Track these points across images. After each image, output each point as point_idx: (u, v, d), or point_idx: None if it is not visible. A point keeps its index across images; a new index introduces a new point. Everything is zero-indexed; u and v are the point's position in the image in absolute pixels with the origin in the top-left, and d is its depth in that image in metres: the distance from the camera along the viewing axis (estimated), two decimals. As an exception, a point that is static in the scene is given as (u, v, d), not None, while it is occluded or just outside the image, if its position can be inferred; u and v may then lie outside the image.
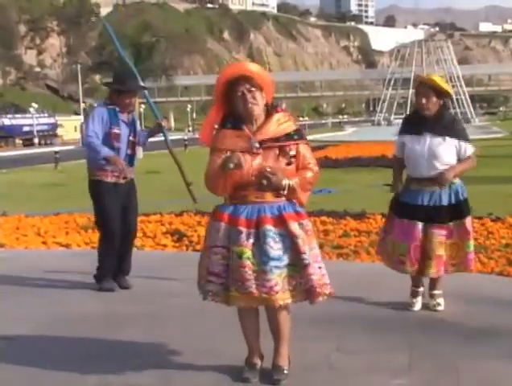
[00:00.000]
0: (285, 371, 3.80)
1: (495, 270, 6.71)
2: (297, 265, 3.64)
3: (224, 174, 3.62)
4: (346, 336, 4.53)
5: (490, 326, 4.77)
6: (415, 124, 5.12)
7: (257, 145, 3.66)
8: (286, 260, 3.63)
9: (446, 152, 5.00)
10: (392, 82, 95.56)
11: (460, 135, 5.09)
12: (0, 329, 4.90)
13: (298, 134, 3.75)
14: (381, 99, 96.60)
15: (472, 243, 5.15)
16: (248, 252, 3.60)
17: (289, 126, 3.75)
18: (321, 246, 7.94)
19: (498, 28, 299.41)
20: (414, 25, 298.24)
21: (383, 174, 18.48)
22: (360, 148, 29.98)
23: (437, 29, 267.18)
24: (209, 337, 4.55)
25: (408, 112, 5.78)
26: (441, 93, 5.04)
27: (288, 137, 3.71)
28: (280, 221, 3.64)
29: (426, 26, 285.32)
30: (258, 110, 3.71)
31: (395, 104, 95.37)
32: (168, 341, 4.48)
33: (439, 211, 4.99)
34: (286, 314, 3.77)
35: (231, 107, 3.74)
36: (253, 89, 3.68)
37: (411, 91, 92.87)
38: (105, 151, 5.76)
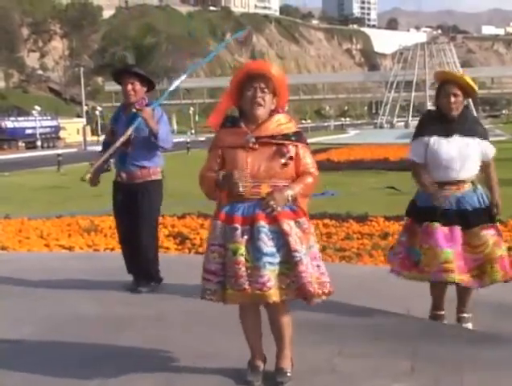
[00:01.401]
0: (288, 374, 3.78)
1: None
2: (289, 263, 3.62)
3: (218, 189, 3.71)
4: (348, 340, 4.52)
5: (493, 330, 4.76)
6: (441, 125, 4.84)
7: (253, 140, 3.67)
8: (279, 257, 3.61)
9: (475, 152, 4.81)
10: (395, 85, 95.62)
11: (484, 135, 4.91)
12: (1, 331, 4.90)
13: (296, 136, 3.75)
14: (384, 102, 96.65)
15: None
16: (242, 249, 3.60)
17: (288, 128, 3.75)
18: (324, 249, 7.95)
19: (501, 31, 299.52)
20: (417, 28, 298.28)
21: (386, 177, 18.52)
22: (362, 151, 30.01)
23: (440, 32, 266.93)
24: (211, 340, 4.54)
25: (424, 113, 5.40)
26: (468, 92, 4.85)
27: (286, 137, 3.72)
28: (274, 218, 3.64)
29: (428, 29, 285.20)
30: (262, 112, 3.71)
31: (398, 107, 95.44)
32: (170, 344, 4.47)
33: (478, 213, 4.76)
34: (286, 315, 3.76)
35: (240, 101, 3.75)
36: (266, 90, 3.69)
37: (414, 94, 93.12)
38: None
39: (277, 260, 3.60)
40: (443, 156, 4.78)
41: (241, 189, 3.62)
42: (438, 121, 4.87)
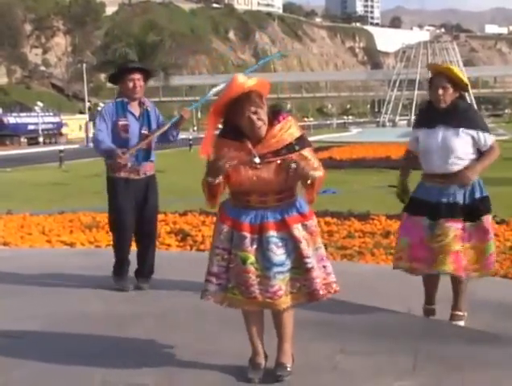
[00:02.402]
0: (288, 369, 3.80)
1: (499, 273, 6.68)
2: (300, 268, 3.65)
3: (208, 185, 3.61)
4: (350, 338, 4.52)
5: (495, 329, 4.76)
6: (429, 117, 4.89)
7: (257, 160, 3.60)
8: (289, 264, 3.63)
9: (461, 144, 4.72)
10: (397, 83, 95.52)
11: (477, 124, 4.79)
12: (4, 327, 4.90)
13: (299, 144, 3.66)
14: (387, 100, 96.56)
15: (492, 243, 4.82)
16: (252, 258, 3.61)
17: (291, 135, 3.66)
18: (325, 247, 7.92)
19: (504, 30, 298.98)
20: (420, 26, 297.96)
21: (388, 176, 18.46)
22: (364, 149, 29.98)
23: (443, 30, 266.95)
24: (213, 336, 4.55)
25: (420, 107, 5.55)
26: (458, 84, 4.80)
27: (289, 148, 3.63)
28: (283, 225, 3.64)
29: (431, 28, 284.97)
30: (264, 128, 3.63)
31: (400, 106, 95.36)
32: (172, 340, 4.47)
33: (453, 208, 4.72)
34: (289, 311, 3.78)
35: (232, 120, 3.64)
36: (258, 110, 3.59)
37: (416, 92, 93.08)
38: (104, 145, 5.73)
39: (287, 267, 3.63)
40: (426, 149, 4.85)
41: (227, 166, 3.54)
42: (427, 114, 4.95)
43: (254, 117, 3.59)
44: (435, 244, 4.73)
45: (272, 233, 3.62)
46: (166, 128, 5.86)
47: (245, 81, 3.61)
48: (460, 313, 4.95)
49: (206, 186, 3.65)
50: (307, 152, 3.69)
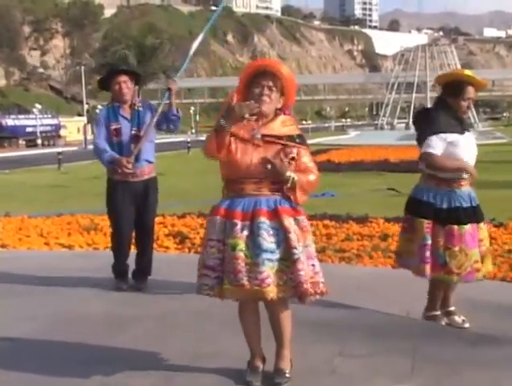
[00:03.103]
0: (286, 375, 3.79)
1: (498, 276, 6.69)
2: (288, 260, 3.62)
3: (218, 131, 3.62)
4: (348, 340, 4.52)
5: (493, 331, 4.76)
6: (456, 122, 4.81)
7: (259, 135, 3.67)
8: (278, 253, 3.60)
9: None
10: (395, 86, 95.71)
11: None
12: (3, 327, 4.91)
13: (300, 138, 3.75)
14: (385, 103, 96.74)
15: None
16: (241, 244, 3.59)
17: (292, 130, 3.76)
18: (323, 249, 7.96)
19: (502, 33, 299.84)
20: (418, 29, 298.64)
21: (386, 179, 18.53)
22: (363, 152, 30.03)
23: (441, 33, 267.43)
24: (211, 339, 4.55)
25: (416, 110, 5.52)
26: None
27: (290, 139, 3.72)
28: (275, 214, 3.64)
29: (430, 31, 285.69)
30: (267, 108, 3.71)
31: (398, 109, 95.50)
32: (170, 343, 4.48)
33: (480, 207, 4.86)
34: (287, 314, 3.76)
35: (248, 97, 3.72)
36: (273, 89, 3.69)
37: (414, 95, 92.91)
38: (107, 157, 5.78)
39: (276, 256, 3.60)
40: (465, 154, 4.77)
41: (245, 112, 3.58)
42: (454, 119, 4.83)
43: (267, 91, 3.68)
44: (480, 249, 4.81)
45: (263, 220, 3.61)
46: (160, 110, 5.84)
47: (281, 63, 3.81)
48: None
49: (215, 131, 3.63)
50: (304, 151, 3.74)
